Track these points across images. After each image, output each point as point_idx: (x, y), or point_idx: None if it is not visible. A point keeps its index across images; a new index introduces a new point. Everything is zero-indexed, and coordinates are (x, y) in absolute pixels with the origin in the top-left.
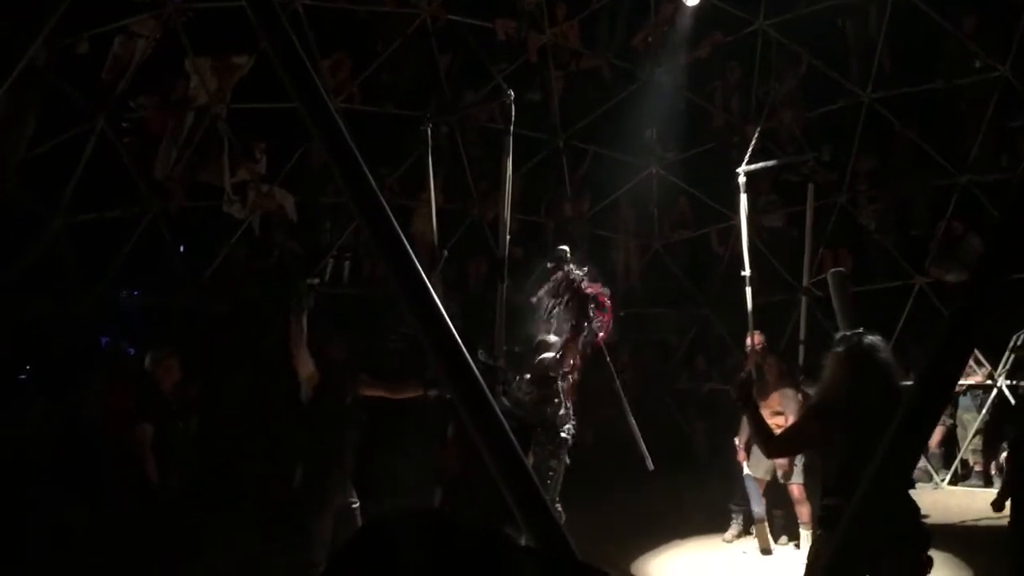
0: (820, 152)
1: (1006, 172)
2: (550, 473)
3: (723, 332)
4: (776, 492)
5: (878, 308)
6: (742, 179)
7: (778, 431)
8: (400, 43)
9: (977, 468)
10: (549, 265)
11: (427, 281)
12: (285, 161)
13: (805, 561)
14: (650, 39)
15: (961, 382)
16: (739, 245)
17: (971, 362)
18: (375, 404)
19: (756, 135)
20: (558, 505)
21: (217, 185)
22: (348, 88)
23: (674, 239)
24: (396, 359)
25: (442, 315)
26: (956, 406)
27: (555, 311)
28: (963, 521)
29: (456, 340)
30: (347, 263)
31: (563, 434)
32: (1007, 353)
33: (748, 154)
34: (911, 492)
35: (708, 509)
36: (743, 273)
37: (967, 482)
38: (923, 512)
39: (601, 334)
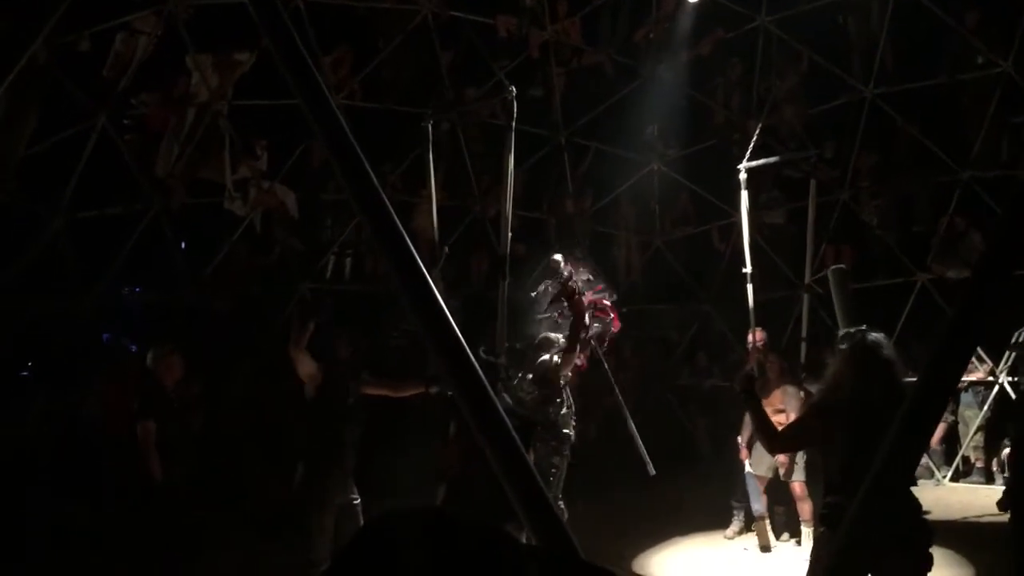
0: (822, 149)
1: (1008, 168)
2: (553, 470)
3: (724, 329)
4: (778, 489)
5: (880, 305)
6: (743, 176)
7: (780, 428)
8: (401, 40)
9: (978, 465)
10: (541, 288)
11: (429, 278)
12: (286, 158)
13: (807, 559)
14: (651, 35)
15: (962, 378)
16: (740, 242)
17: (972, 359)
18: (376, 402)
19: (757, 132)
20: (560, 502)
21: (218, 182)
22: (349, 85)
23: (675, 236)
24: (398, 356)
25: (444, 312)
26: (957, 403)
27: (554, 314)
28: (965, 518)
29: (458, 337)
30: (348, 260)
31: (566, 431)
32: (1008, 350)
33: (749, 151)
34: (913, 489)
35: (709, 506)
36: (744, 270)
37: (968, 479)
38: (925, 509)
39: (603, 340)
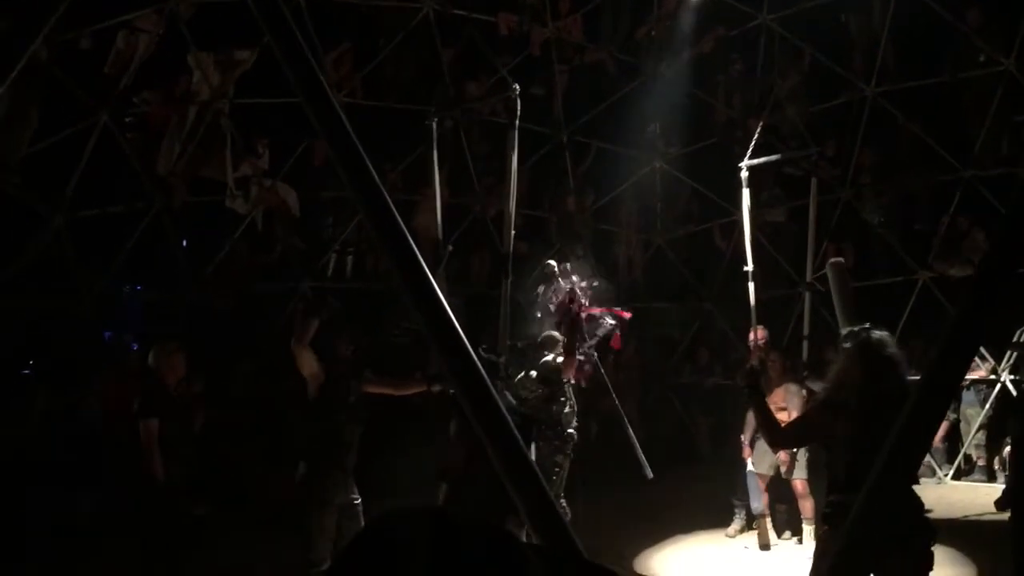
0: (823, 147)
1: (1010, 166)
2: (556, 469)
3: (725, 327)
4: (779, 487)
5: (881, 303)
6: (745, 174)
7: (783, 425)
8: (402, 37)
9: (980, 463)
10: (538, 291)
11: (431, 276)
12: (288, 156)
13: (809, 557)
14: (653, 33)
15: (965, 377)
16: (742, 240)
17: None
18: (377, 401)
19: (759, 130)
20: (563, 501)
21: (220, 180)
22: (351, 82)
23: (677, 234)
24: (399, 354)
25: (446, 310)
26: (959, 401)
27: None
28: (966, 516)
29: (460, 336)
30: (350, 258)
31: (569, 430)
32: (1010, 349)
33: (751, 149)
34: (915, 488)
35: (711, 504)
36: (746, 268)
37: (970, 477)
38: (927, 507)
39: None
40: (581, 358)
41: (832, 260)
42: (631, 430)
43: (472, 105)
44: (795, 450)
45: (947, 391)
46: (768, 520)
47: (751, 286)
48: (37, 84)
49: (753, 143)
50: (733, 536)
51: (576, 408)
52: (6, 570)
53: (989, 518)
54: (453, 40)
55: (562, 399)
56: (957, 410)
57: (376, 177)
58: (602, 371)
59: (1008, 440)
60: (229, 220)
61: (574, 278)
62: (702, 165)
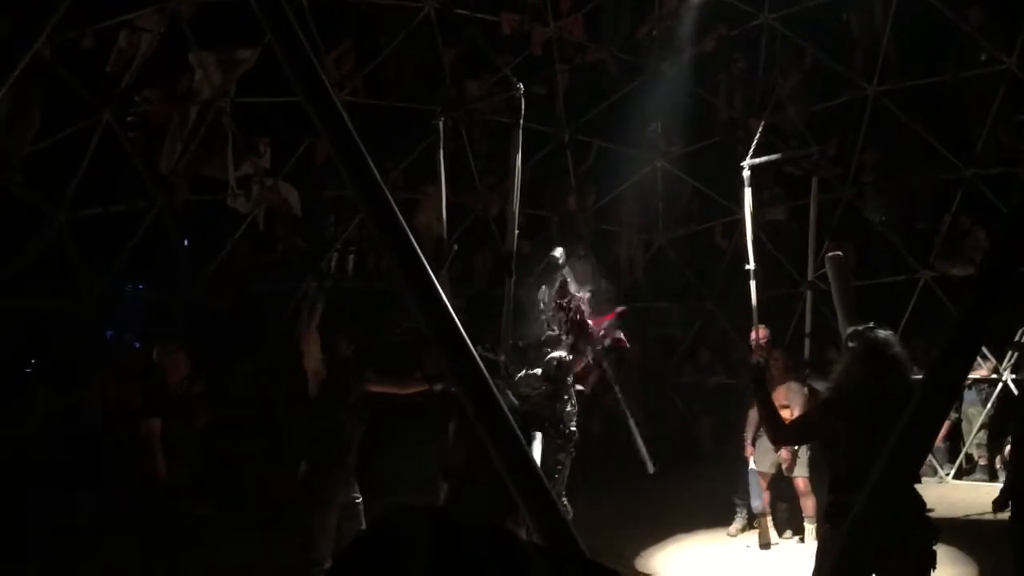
0: (825, 146)
1: (1011, 165)
2: (558, 467)
3: (727, 326)
4: (781, 486)
5: (883, 302)
6: (747, 173)
7: (787, 422)
8: (404, 36)
9: (982, 462)
10: (541, 291)
11: (433, 275)
12: (289, 155)
13: (810, 555)
14: (655, 32)
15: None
16: (743, 239)
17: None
18: (378, 400)
19: (761, 129)
20: (564, 499)
21: (221, 179)
22: (352, 81)
23: (678, 233)
24: (401, 353)
25: (448, 310)
26: (961, 400)
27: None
28: (968, 515)
29: (462, 334)
30: (351, 257)
31: (571, 428)
32: (1011, 349)
33: (753, 148)
34: (916, 487)
35: (712, 503)
36: (747, 267)
37: (972, 476)
38: (928, 506)
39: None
40: (589, 361)
41: (831, 254)
42: (633, 423)
43: (475, 104)
44: (796, 448)
45: (949, 390)
46: (769, 519)
47: (753, 285)
48: (39, 83)
49: (754, 142)
50: (734, 535)
51: (577, 407)
52: (6, 570)
53: (990, 517)
54: (455, 39)
55: (565, 396)
56: (959, 409)
57: (378, 176)
58: (609, 372)
59: (1009, 439)
60: (231, 219)
61: (572, 288)
62: (703, 164)
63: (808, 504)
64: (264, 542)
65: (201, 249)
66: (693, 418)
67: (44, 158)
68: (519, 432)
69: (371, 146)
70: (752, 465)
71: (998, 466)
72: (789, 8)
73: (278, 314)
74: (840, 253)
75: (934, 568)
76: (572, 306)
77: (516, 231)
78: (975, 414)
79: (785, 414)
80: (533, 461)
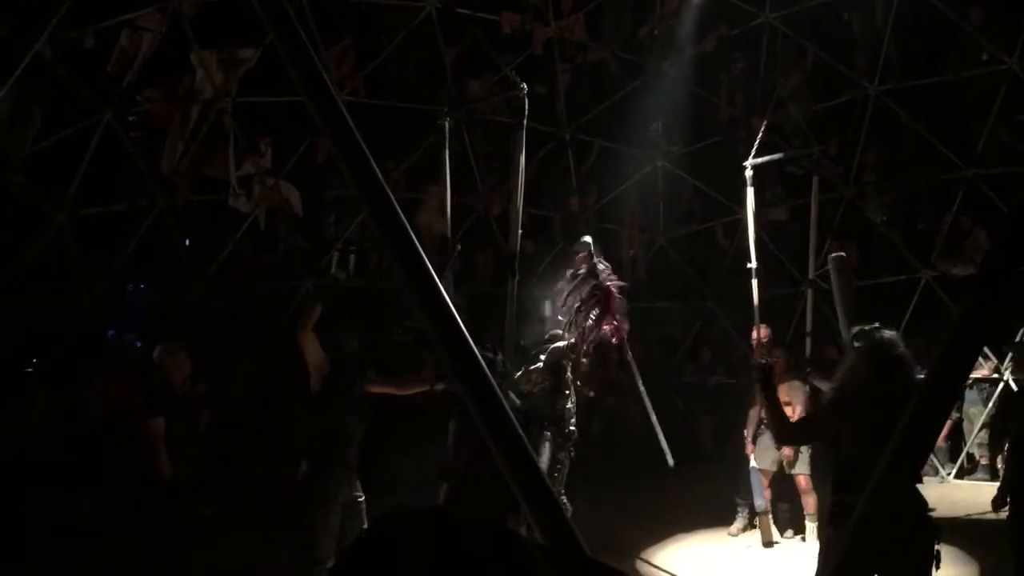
0: (826, 145)
1: (1013, 165)
2: (557, 466)
3: (728, 326)
4: (782, 484)
5: (884, 302)
6: (749, 172)
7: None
8: (405, 36)
9: (983, 462)
10: (577, 261)
11: (435, 275)
12: (290, 155)
13: (812, 554)
14: (656, 32)
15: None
16: (744, 239)
17: None
18: (380, 399)
19: (763, 128)
20: (563, 497)
21: (223, 179)
22: (353, 81)
23: (679, 233)
24: (402, 353)
25: (450, 309)
26: (962, 400)
27: (576, 303)
28: (969, 515)
29: (464, 334)
30: (352, 256)
31: (571, 427)
32: (1012, 349)
33: (755, 147)
34: (918, 487)
35: (713, 503)
36: (749, 266)
37: (973, 476)
38: (930, 506)
39: (618, 332)
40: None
41: (834, 254)
42: (653, 415)
43: (477, 104)
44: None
45: (951, 390)
46: (770, 517)
47: (755, 284)
48: (40, 83)
49: (757, 142)
50: (736, 535)
51: (575, 405)
52: (6, 570)
53: (991, 517)
54: (456, 39)
55: (566, 392)
56: (960, 409)
57: (380, 176)
58: (630, 356)
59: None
60: (232, 219)
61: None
62: (704, 164)
63: (809, 502)
64: (265, 542)
65: (202, 249)
66: (694, 418)
67: (45, 158)
68: (521, 431)
69: (372, 146)
70: (753, 463)
71: (999, 465)
72: (790, 7)
73: (279, 314)
74: (843, 254)
75: (937, 567)
76: (598, 271)
77: (520, 231)
78: (976, 414)
79: (787, 411)
80: (535, 460)
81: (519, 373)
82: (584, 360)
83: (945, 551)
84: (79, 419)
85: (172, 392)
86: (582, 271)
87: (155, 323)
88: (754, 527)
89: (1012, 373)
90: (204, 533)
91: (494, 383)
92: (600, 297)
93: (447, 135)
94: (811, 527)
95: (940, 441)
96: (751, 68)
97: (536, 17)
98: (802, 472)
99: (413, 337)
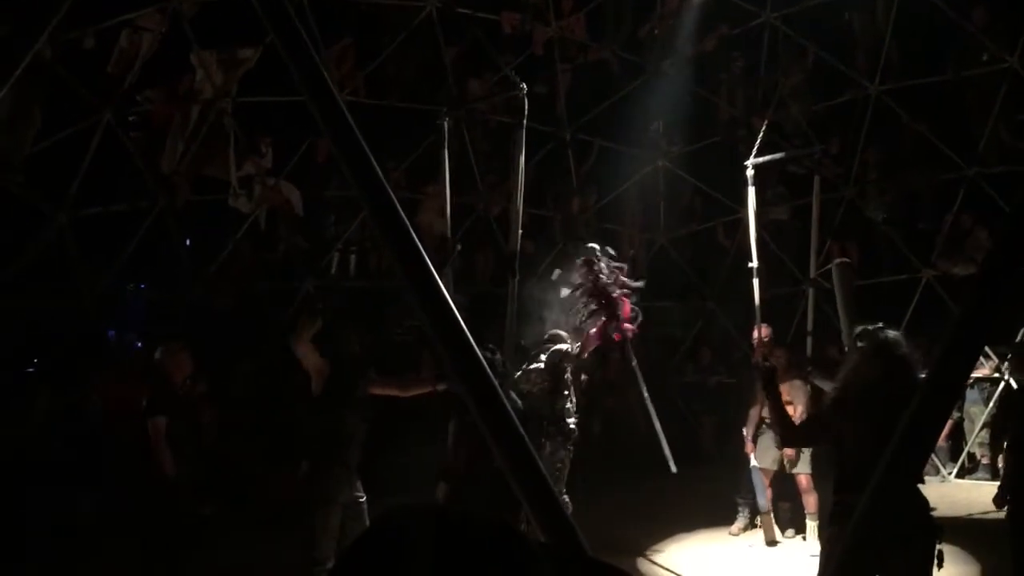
0: (827, 145)
1: (1014, 165)
2: (558, 465)
3: (728, 325)
4: (783, 484)
5: (885, 301)
6: (750, 172)
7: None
8: (405, 36)
9: (984, 461)
10: (579, 261)
11: (436, 274)
12: (291, 155)
13: (812, 554)
14: (656, 31)
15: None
16: (745, 238)
17: None
18: (381, 399)
19: (764, 127)
20: (565, 496)
21: (223, 179)
22: (353, 81)
23: (680, 232)
24: (402, 352)
25: (451, 309)
26: (963, 399)
27: (582, 307)
28: (970, 514)
29: (465, 333)
30: (353, 256)
31: (571, 426)
32: (1011, 350)
33: (756, 147)
34: (919, 487)
35: (714, 502)
36: (750, 265)
37: (974, 475)
38: (931, 505)
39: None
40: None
41: (838, 260)
42: (657, 423)
43: (477, 104)
44: None
45: (952, 390)
46: (772, 516)
47: (756, 283)
48: (41, 83)
49: (758, 141)
50: (737, 534)
51: (575, 406)
52: (6, 570)
53: (993, 517)
54: (456, 38)
55: (565, 392)
56: (961, 408)
57: (381, 175)
58: (634, 363)
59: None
60: (232, 219)
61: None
62: (705, 163)
63: (810, 501)
64: (265, 542)
65: (203, 249)
66: (694, 418)
67: (45, 158)
68: (523, 431)
69: (372, 146)
70: (753, 462)
71: (1000, 465)
72: (791, 7)
73: (279, 314)
74: (848, 260)
75: (939, 567)
76: (601, 269)
77: (520, 231)
78: (977, 413)
79: (788, 410)
80: (536, 459)
81: (519, 373)
82: (585, 356)
83: (946, 551)
84: (79, 419)
85: (173, 392)
86: (586, 276)
87: (155, 323)
88: (755, 527)
89: (1011, 374)
90: (204, 533)
91: (495, 383)
92: (606, 305)
93: (446, 135)
94: (812, 526)
95: (941, 441)
96: (752, 67)
97: (536, 17)
98: (803, 471)
99: (413, 337)
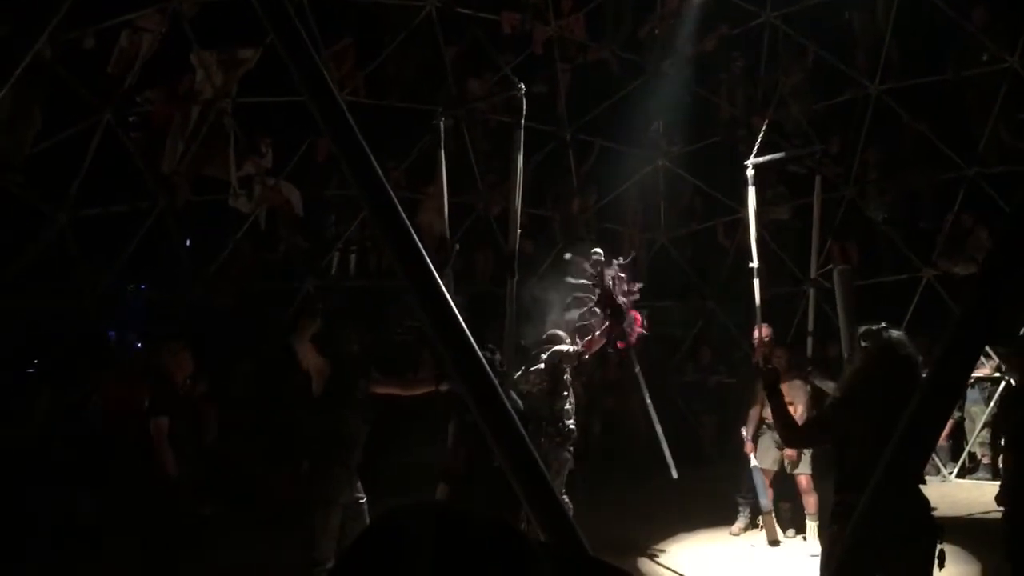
0: (827, 144)
1: (1014, 164)
2: (557, 465)
3: (728, 325)
4: (783, 484)
5: (885, 301)
6: (750, 172)
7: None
8: (405, 35)
9: (985, 461)
10: (587, 268)
11: (436, 274)
12: (291, 155)
13: (812, 554)
14: (656, 31)
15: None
16: (745, 238)
17: None
18: (381, 400)
19: (764, 127)
20: (565, 496)
21: (223, 179)
22: (353, 81)
23: (680, 232)
24: (403, 352)
25: (452, 308)
26: (964, 399)
27: (588, 312)
28: (971, 514)
29: (465, 333)
30: (353, 256)
31: (570, 426)
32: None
33: (756, 147)
34: (920, 486)
35: (714, 502)
36: (751, 265)
37: (975, 475)
38: (932, 505)
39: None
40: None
41: (840, 268)
42: (659, 426)
43: (476, 104)
44: None
45: (952, 390)
46: (774, 516)
47: (756, 283)
48: (41, 83)
49: (758, 141)
50: (737, 534)
51: (574, 406)
52: (6, 570)
53: (994, 516)
54: (456, 38)
55: (564, 393)
56: (962, 408)
57: (381, 175)
58: (637, 368)
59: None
60: (232, 219)
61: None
62: (705, 163)
63: (810, 501)
64: (265, 542)
65: (203, 249)
66: (694, 417)
67: (45, 158)
68: (523, 431)
69: (372, 146)
70: (754, 462)
71: (1000, 465)
72: (791, 6)
73: (279, 314)
74: (849, 267)
75: (940, 567)
76: (604, 272)
77: (518, 231)
78: (978, 413)
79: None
80: (537, 459)
81: (518, 373)
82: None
83: (947, 551)
84: (79, 419)
85: (174, 392)
86: (597, 283)
87: (155, 323)
88: (756, 526)
89: (1005, 374)
90: (204, 533)
91: (496, 383)
92: (614, 315)
93: (442, 134)
94: (812, 526)
95: (942, 440)
96: (752, 67)
97: (536, 17)
98: (803, 472)
99: (413, 337)
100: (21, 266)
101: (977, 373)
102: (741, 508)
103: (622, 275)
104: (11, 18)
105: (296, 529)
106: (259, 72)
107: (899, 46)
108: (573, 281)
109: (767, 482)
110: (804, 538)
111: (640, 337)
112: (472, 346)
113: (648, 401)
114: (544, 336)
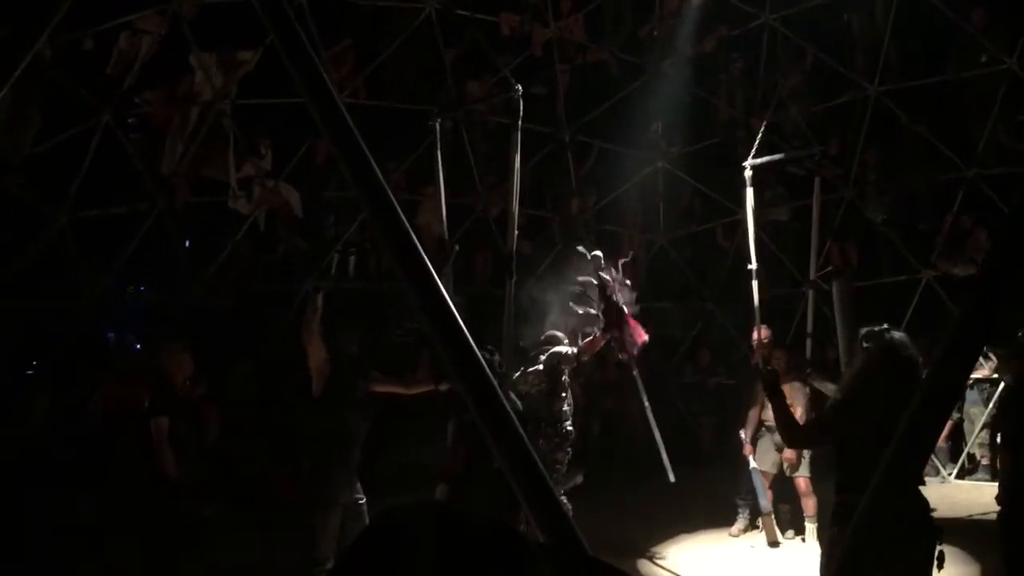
0: (827, 146)
1: (1013, 166)
2: (556, 466)
3: (727, 326)
4: (783, 486)
5: (884, 302)
6: (749, 173)
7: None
8: (405, 37)
9: (984, 462)
10: (581, 279)
11: (436, 275)
12: (290, 156)
13: (815, 555)
14: (655, 32)
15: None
16: (744, 239)
17: None
18: (381, 400)
19: (763, 128)
20: (564, 497)
21: (222, 181)
22: (353, 83)
23: (679, 233)
24: (402, 353)
25: (451, 309)
26: (963, 400)
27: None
28: (970, 515)
29: (465, 334)
30: (352, 257)
31: (568, 427)
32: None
33: (755, 148)
34: (920, 487)
35: (714, 503)
36: (750, 267)
37: (974, 476)
38: (931, 506)
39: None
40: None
41: (839, 280)
42: (656, 431)
43: (474, 105)
44: None
45: (951, 391)
46: (773, 517)
47: (755, 285)
48: (40, 85)
49: (757, 142)
50: (737, 535)
51: (572, 407)
52: (6, 570)
53: (993, 517)
54: (455, 40)
55: (563, 394)
56: (961, 409)
57: (380, 175)
58: (635, 372)
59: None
60: (232, 220)
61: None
62: (704, 164)
63: (809, 504)
64: (265, 542)
65: (202, 250)
66: (694, 419)
67: (45, 160)
68: (523, 431)
69: (372, 147)
70: (753, 464)
71: (998, 465)
72: (790, 8)
73: (278, 314)
74: (848, 271)
75: (940, 568)
76: (609, 278)
77: (516, 232)
78: (977, 413)
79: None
80: (536, 459)
81: (517, 374)
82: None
83: (947, 551)
84: (79, 419)
85: (174, 393)
86: (602, 290)
87: (155, 324)
88: (755, 528)
89: (996, 372)
90: (204, 533)
91: (495, 383)
92: (617, 323)
93: (439, 136)
94: (811, 528)
95: (941, 441)
96: (751, 69)
97: (535, 18)
98: (803, 474)
99: (413, 338)
100: (21, 266)
101: (976, 374)
102: (740, 509)
103: (627, 282)
104: (11, 19)
105: (296, 529)
106: (258, 74)
107: (898, 48)
108: (580, 278)
109: (767, 483)
110: (803, 540)
111: (640, 352)
112: (471, 347)
113: (647, 405)
114: (542, 337)
